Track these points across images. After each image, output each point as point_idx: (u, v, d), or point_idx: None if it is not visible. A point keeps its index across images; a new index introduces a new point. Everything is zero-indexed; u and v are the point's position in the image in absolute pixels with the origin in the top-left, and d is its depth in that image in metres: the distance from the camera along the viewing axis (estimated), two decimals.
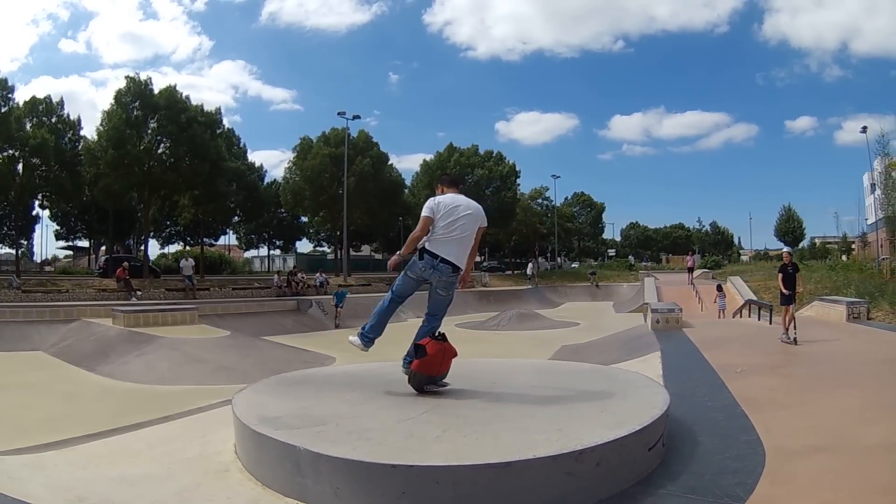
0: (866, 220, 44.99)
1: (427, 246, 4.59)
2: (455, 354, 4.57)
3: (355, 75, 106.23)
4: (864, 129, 38.14)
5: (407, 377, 4.56)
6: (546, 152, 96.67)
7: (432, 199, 4.68)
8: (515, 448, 3.07)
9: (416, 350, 4.48)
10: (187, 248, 45.83)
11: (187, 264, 25.77)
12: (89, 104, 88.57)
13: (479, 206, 4.81)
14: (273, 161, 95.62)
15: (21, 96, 30.25)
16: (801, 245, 59.61)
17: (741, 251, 77.07)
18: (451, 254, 4.59)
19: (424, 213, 4.60)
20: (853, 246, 53.82)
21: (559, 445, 3.10)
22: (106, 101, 29.20)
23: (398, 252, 4.86)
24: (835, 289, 18.22)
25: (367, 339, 4.82)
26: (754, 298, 18.37)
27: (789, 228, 57.71)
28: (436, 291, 4.73)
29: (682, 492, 3.15)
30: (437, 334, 4.60)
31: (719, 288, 21.98)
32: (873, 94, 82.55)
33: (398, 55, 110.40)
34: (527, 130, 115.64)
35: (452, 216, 4.59)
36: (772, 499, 3.03)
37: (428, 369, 4.44)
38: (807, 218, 72.29)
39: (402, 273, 4.74)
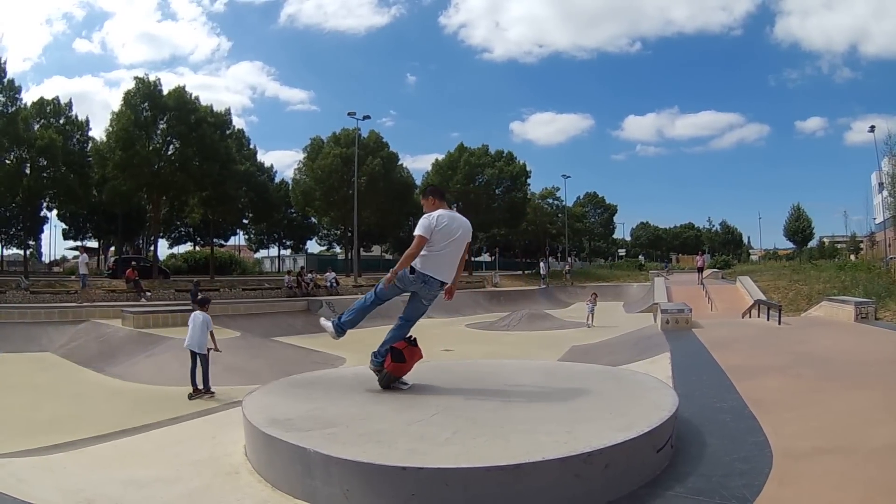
0: (874, 219, 44.83)
1: (420, 267, 4.54)
2: (421, 357, 4.78)
3: (373, 76, 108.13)
4: (872, 129, 38.12)
5: (377, 374, 4.75)
6: (560, 152, 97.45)
7: (427, 217, 4.62)
8: (525, 450, 3.09)
9: (393, 353, 4.62)
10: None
11: (83, 260, 22.98)
12: (102, 104, 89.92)
13: (469, 224, 4.79)
14: (288, 161, 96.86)
15: (30, 97, 30.66)
16: (809, 245, 59.40)
17: (751, 251, 76.94)
18: (442, 272, 4.63)
19: (420, 232, 4.52)
20: (861, 245, 53.64)
21: (568, 448, 3.12)
22: (120, 101, 29.13)
23: (391, 269, 4.65)
24: (843, 289, 18.12)
25: (341, 329, 4.89)
26: (763, 298, 18.27)
27: (798, 228, 57.47)
28: (420, 302, 4.77)
29: (690, 493, 3.16)
30: (410, 339, 4.72)
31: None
32: (882, 95, 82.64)
33: (416, 57, 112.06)
34: (541, 131, 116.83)
35: (448, 238, 4.59)
36: (779, 500, 3.02)
37: (399, 372, 4.68)
38: (816, 217, 72.57)
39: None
